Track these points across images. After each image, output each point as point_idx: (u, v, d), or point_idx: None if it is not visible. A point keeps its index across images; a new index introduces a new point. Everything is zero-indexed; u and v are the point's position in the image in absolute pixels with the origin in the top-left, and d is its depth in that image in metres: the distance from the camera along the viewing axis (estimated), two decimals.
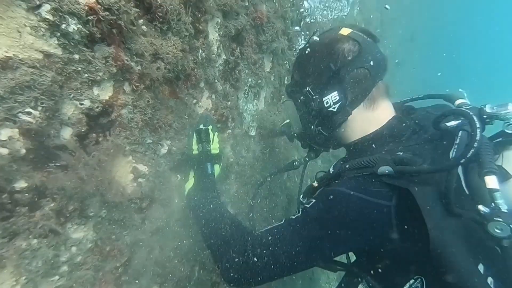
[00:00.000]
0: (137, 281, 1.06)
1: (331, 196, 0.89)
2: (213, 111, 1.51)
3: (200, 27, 1.34)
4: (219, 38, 1.50)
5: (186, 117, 1.30)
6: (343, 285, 1.12)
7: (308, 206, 0.93)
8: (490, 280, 0.81)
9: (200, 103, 1.40)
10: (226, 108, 1.63)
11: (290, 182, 2.68)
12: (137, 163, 1.05)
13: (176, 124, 1.24)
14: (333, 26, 1.14)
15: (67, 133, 0.82)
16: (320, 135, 1.11)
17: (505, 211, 0.74)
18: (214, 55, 1.47)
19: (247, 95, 1.87)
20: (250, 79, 1.85)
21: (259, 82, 1.94)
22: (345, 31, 1.03)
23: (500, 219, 0.73)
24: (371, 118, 1.03)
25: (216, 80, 1.51)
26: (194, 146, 1.26)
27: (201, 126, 1.29)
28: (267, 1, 1.92)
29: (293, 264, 0.90)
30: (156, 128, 1.13)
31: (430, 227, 0.76)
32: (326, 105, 1.02)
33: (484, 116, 0.92)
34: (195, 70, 1.31)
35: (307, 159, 1.48)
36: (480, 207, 0.77)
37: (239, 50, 1.65)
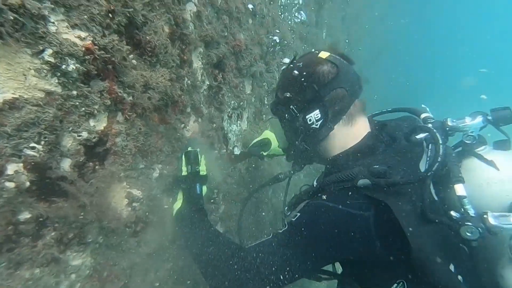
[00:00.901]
0: None
1: (315, 210, 0.96)
2: (200, 134, 1.60)
3: (185, 57, 1.45)
4: (202, 66, 1.61)
5: (175, 141, 1.37)
6: None
7: (293, 219, 0.99)
8: (460, 277, 0.91)
9: (187, 127, 1.48)
10: (212, 130, 1.72)
11: (275, 198, 2.76)
12: (131, 188, 1.11)
13: (166, 148, 1.31)
14: (312, 50, 1.23)
15: (66, 164, 0.87)
16: (304, 150, 1.19)
17: (473, 215, 0.84)
18: (198, 82, 1.58)
19: (230, 117, 1.97)
20: (232, 102, 1.96)
21: (241, 104, 2.06)
22: (323, 55, 1.14)
23: (470, 223, 0.81)
24: (349, 133, 1.12)
25: (201, 105, 1.60)
26: (183, 168, 1.33)
27: (189, 149, 1.36)
28: (244, 30, 2.08)
29: (283, 276, 0.94)
30: (148, 153, 1.20)
31: (409, 234, 0.83)
32: (309, 122, 1.11)
33: (447, 129, 1.05)
34: (182, 96, 1.40)
35: (291, 172, 1.55)
36: (452, 213, 0.87)
37: (221, 76, 1.76)
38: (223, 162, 1.87)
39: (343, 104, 1.09)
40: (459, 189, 0.88)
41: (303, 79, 1.11)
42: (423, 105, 1.26)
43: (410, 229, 0.84)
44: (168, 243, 1.30)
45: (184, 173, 1.32)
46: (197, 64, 1.58)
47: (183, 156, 1.35)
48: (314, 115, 1.10)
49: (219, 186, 1.80)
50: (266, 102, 2.49)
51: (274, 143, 1.78)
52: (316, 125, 1.11)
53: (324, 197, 0.99)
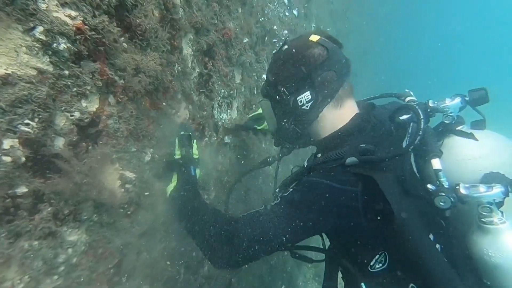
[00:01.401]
0: (128, 282, 1.11)
1: (307, 185, 1.02)
2: (190, 121, 1.62)
3: (175, 43, 1.46)
4: (192, 52, 1.63)
5: (166, 126, 1.39)
6: (327, 271, 1.24)
7: (286, 194, 1.05)
8: (438, 246, 0.99)
9: (178, 113, 1.50)
10: (203, 117, 1.74)
11: (265, 186, 2.81)
12: (124, 170, 1.13)
13: (157, 133, 1.33)
14: (303, 33, 1.26)
15: (60, 143, 0.89)
16: (294, 132, 1.22)
17: (447, 187, 0.91)
18: (189, 69, 1.59)
19: (221, 105, 1.99)
20: (223, 90, 1.99)
21: (231, 93, 2.09)
22: (314, 38, 1.16)
23: (443, 194, 0.89)
24: (338, 115, 1.15)
25: (192, 92, 1.62)
26: (177, 151, 1.35)
27: (183, 132, 1.39)
28: (234, 19, 2.10)
29: (273, 244, 1.01)
30: (140, 137, 1.22)
31: (393, 206, 0.90)
32: (299, 104, 1.14)
33: (428, 110, 1.11)
34: (173, 82, 1.41)
35: (280, 155, 1.59)
36: (428, 185, 0.94)
37: (211, 64, 1.78)
38: (214, 150, 1.90)
39: (333, 86, 1.13)
40: (435, 163, 0.96)
41: (294, 62, 1.14)
42: (406, 90, 1.32)
43: (394, 201, 0.90)
44: (160, 225, 1.33)
45: (178, 156, 1.35)
46: (187, 50, 1.59)
47: (176, 140, 1.37)
48: (305, 97, 1.13)
49: (210, 173, 1.83)
50: (255, 93, 2.52)
51: None
52: (307, 106, 1.14)
53: (315, 175, 1.04)
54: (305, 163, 1.20)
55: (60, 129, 0.89)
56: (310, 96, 1.12)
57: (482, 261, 0.90)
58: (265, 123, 1.73)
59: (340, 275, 1.23)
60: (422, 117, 1.01)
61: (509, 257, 0.86)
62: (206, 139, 1.82)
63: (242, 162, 2.26)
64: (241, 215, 1.08)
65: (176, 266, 1.40)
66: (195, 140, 1.47)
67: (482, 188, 0.87)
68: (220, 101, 1.98)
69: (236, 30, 2.08)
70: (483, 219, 0.89)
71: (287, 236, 1.01)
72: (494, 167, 0.94)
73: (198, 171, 1.42)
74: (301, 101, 1.14)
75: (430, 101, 1.16)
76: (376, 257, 1.04)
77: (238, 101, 2.29)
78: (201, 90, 1.73)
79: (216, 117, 1.93)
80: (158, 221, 1.31)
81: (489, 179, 0.90)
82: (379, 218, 0.97)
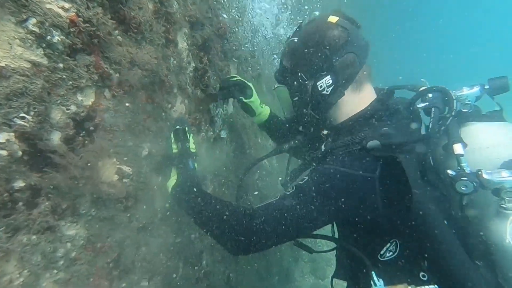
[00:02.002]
0: (127, 276, 1.11)
1: (322, 173, 1.00)
2: (187, 115, 1.61)
3: (170, 37, 1.45)
4: (188, 47, 1.62)
5: (163, 121, 1.39)
6: (338, 261, 1.25)
7: (301, 182, 1.03)
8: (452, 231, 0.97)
9: (174, 107, 1.50)
10: (199, 112, 1.74)
11: (261, 182, 2.83)
12: (121, 164, 1.12)
13: (154, 127, 1.32)
14: (319, 14, 1.20)
15: (56, 136, 0.88)
16: (312, 118, 1.18)
17: (469, 171, 0.91)
18: (184, 63, 1.58)
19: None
20: (218, 85, 1.98)
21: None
22: (333, 19, 1.10)
23: (465, 178, 0.89)
24: (357, 100, 1.12)
25: (187, 86, 1.62)
26: (173, 146, 1.34)
27: (178, 127, 1.38)
28: (228, 13, 2.09)
29: (290, 233, 1.00)
30: (136, 131, 1.21)
31: (413, 187, 0.88)
32: (320, 89, 1.10)
33: (446, 98, 1.08)
34: (168, 76, 1.40)
35: (296, 141, 1.49)
36: (449, 171, 0.94)
37: (206, 58, 1.77)
38: (210, 144, 1.90)
39: (353, 70, 1.09)
40: (458, 148, 0.95)
41: (313, 45, 1.09)
42: (422, 79, 1.29)
43: (414, 184, 0.90)
44: (159, 220, 1.32)
45: (174, 150, 1.33)
46: (182, 45, 1.58)
47: (172, 134, 1.36)
48: (326, 81, 1.08)
49: (207, 168, 1.83)
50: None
51: (255, 95, 1.70)
52: (327, 91, 1.10)
53: (332, 161, 1.02)
54: (322, 147, 1.16)
55: (56, 123, 0.88)
56: (331, 81, 1.08)
57: (501, 248, 0.90)
58: (253, 97, 1.67)
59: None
60: (453, 97, 1.01)
61: None
62: (203, 133, 1.81)
63: (238, 156, 2.27)
64: (256, 206, 1.06)
65: (175, 261, 1.40)
66: (191, 134, 1.46)
67: (505, 173, 0.87)
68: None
69: (231, 25, 2.07)
70: (504, 205, 0.89)
71: (304, 225, 1.00)
72: None
73: (196, 164, 1.41)
74: (321, 86, 1.10)
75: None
76: (387, 245, 1.04)
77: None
78: (197, 85, 1.72)
79: (212, 112, 1.92)
80: (156, 215, 1.31)
81: (509, 166, 0.90)
82: (396, 203, 0.96)
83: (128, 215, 1.15)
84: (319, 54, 1.08)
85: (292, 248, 3.42)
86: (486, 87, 1.11)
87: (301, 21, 1.23)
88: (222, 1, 2.02)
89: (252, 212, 1.05)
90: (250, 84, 1.70)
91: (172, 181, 1.29)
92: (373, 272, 1.03)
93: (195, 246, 1.57)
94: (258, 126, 1.87)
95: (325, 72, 1.09)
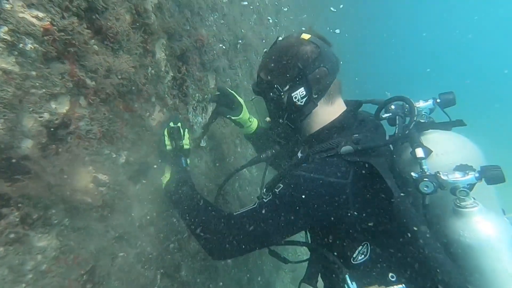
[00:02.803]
0: None
1: (296, 180, 1.06)
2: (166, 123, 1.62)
3: (148, 47, 1.47)
4: (166, 57, 1.64)
5: (141, 129, 1.38)
6: (308, 266, 1.29)
7: (277, 190, 1.09)
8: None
9: (152, 116, 1.50)
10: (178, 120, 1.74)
11: (241, 191, 2.83)
12: (97, 172, 1.10)
13: (131, 136, 1.32)
14: (292, 32, 1.30)
15: (28, 144, 0.86)
16: (288, 127, 1.26)
17: (429, 173, 1.00)
18: (162, 72, 1.60)
19: (195, 109, 2.01)
20: (197, 94, 2.00)
21: (205, 97, 2.11)
22: (305, 36, 1.20)
23: (427, 179, 0.97)
24: (329, 110, 1.21)
25: (166, 95, 1.63)
26: (167, 143, 1.40)
27: (171, 124, 1.42)
28: (206, 26, 2.14)
29: (266, 239, 1.07)
30: (113, 139, 1.20)
31: (391, 186, 0.96)
32: (294, 100, 1.16)
33: (405, 110, 1.22)
34: (146, 85, 1.41)
35: (273, 151, 1.58)
36: (412, 173, 1.02)
37: (185, 68, 1.80)
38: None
39: (325, 82, 1.18)
40: (419, 152, 1.04)
41: (287, 59, 1.17)
42: (387, 93, 1.43)
43: (391, 184, 0.98)
44: (136, 229, 1.30)
45: (168, 147, 1.39)
46: (160, 55, 1.60)
47: (165, 132, 1.41)
48: (299, 93, 1.16)
49: None
50: None
51: (245, 111, 1.75)
52: (301, 102, 1.17)
53: (305, 168, 1.08)
54: (299, 154, 1.23)
55: (28, 131, 0.86)
56: (304, 92, 1.15)
57: (457, 243, 0.97)
58: (241, 114, 1.74)
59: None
60: (415, 106, 1.12)
61: (479, 238, 0.94)
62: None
63: (217, 165, 2.27)
64: (236, 213, 1.12)
65: (153, 271, 1.37)
66: (186, 130, 1.50)
67: (458, 175, 0.98)
68: (195, 105, 1.99)
69: (209, 37, 2.12)
70: (458, 204, 0.98)
71: (279, 231, 1.05)
72: (463, 160, 1.03)
73: (188, 160, 1.46)
74: (295, 97, 1.16)
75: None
76: (359, 248, 1.09)
77: (212, 105, 2.30)
78: (175, 94, 1.73)
79: (191, 120, 1.93)
80: (133, 224, 1.29)
81: (462, 169, 1.00)
82: (370, 207, 1.03)
83: (104, 224, 1.12)
84: (293, 68, 1.16)
85: (273, 258, 3.41)
86: (438, 100, 1.25)
87: (278, 37, 1.31)
88: (201, 13, 2.08)
89: (229, 217, 1.09)
90: (240, 100, 1.77)
91: (166, 177, 1.36)
92: (347, 276, 1.08)
93: (174, 257, 1.55)
94: (245, 137, 1.95)
95: (298, 84, 1.16)
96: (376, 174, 1.00)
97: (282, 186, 1.09)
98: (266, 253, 1.41)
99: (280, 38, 1.29)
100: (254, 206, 1.11)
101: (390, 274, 1.07)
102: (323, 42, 1.23)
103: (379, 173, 0.99)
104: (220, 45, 2.30)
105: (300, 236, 1.28)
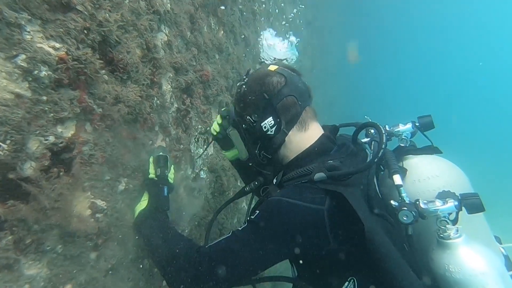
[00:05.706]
0: None
1: (272, 205, 1.02)
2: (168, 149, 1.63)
3: (155, 79, 1.54)
4: (171, 89, 1.71)
5: (143, 156, 1.39)
6: None
7: (253, 217, 1.03)
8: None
9: (155, 144, 1.52)
10: (179, 150, 1.76)
11: (226, 221, 2.73)
12: (95, 198, 1.09)
13: (133, 163, 1.32)
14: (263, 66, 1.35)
15: (31, 166, 0.86)
16: (263, 158, 1.25)
17: (408, 202, 0.97)
18: (167, 103, 1.65)
19: (197, 141, 2.03)
20: (199, 126, 2.04)
21: (208, 129, 2.14)
22: (272, 68, 1.25)
23: (405, 208, 0.93)
24: (304, 137, 1.19)
25: (169, 125, 1.66)
26: (151, 171, 1.35)
27: (160, 154, 1.40)
28: (211, 63, 2.26)
29: (241, 273, 0.98)
30: (115, 165, 1.20)
31: (363, 219, 0.90)
32: (264, 130, 1.18)
33: (385, 133, 1.16)
34: (151, 114, 1.45)
35: (256, 183, 1.50)
36: (392, 202, 0.99)
37: (189, 100, 1.86)
38: (189, 184, 1.88)
39: (295, 111, 1.18)
40: (397, 179, 1.02)
41: (255, 90, 1.20)
42: (366, 116, 1.43)
43: (364, 216, 0.91)
44: (129, 261, 1.24)
45: (152, 175, 1.34)
46: (166, 87, 1.67)
47: (151, 159, 1.38)
48: (268, 122, 1.17)
49: (185, 207, 1.79)
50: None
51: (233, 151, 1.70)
52: (271, 131, 1.17)
53: (281, 193, 1.05)
54: (274, 181, 1.20)
55: (32, 153, 0.87)
56: (273, 122, 1.16)
57: (444, 278, 0.92)
58: (232, 150, 1.70)
59: None
60: (384, 132, 1.09)
61: (467, 272, 0.89)
62: (182, 172, 1.81)
63: (218, 199, 2.24)
64: (208, 245, 1.05)
65: None
66: (173, 165, 1.48)
67: (438, 203, 0.93)
68: (197, 136, 2.02)
69: (213, 73, 2.23)
70: (441, 234, 0.93)
71: (254, 261, 0.98)
72: (446, 186, 1.01)
73: (169, 194, 1.40)
74: (265, 127, 1.18)
75: (386, 125, 1.29)
76: (346, 284, 1.02)
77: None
78: (178, 124, 1.77)
79: (192, 151, 1.95)
80: (127, 256, 1.23)
81: (443, 196, 0.96)
82: (346, 237, 0.97)
83: (98, 253, 1.07)
84: (261, 98, 1.19)
85: None
86: (417, 124, 1.25)
87: (249, 69, 1.37)
88: (207, 51, 2.21)
89: (200, 248, 1.02)
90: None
91: (142, 205, 1.27)
92: None
93: None
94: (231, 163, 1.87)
95: (267, 114, 1.17)
96: (350, 206, 0.94)
97: (258, 212, 1.05)
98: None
99: (252, 71, 1.33)
100: (228, 235, 1.05)
101: None
102: (291, 72, 1.25)
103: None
104: (223, 83, 2.40)
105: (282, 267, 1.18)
